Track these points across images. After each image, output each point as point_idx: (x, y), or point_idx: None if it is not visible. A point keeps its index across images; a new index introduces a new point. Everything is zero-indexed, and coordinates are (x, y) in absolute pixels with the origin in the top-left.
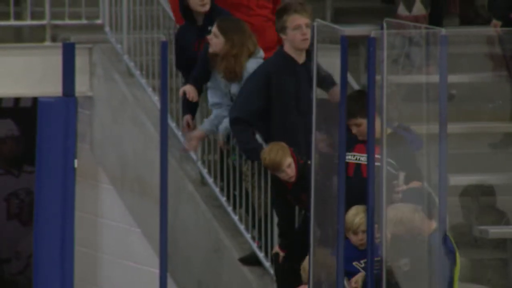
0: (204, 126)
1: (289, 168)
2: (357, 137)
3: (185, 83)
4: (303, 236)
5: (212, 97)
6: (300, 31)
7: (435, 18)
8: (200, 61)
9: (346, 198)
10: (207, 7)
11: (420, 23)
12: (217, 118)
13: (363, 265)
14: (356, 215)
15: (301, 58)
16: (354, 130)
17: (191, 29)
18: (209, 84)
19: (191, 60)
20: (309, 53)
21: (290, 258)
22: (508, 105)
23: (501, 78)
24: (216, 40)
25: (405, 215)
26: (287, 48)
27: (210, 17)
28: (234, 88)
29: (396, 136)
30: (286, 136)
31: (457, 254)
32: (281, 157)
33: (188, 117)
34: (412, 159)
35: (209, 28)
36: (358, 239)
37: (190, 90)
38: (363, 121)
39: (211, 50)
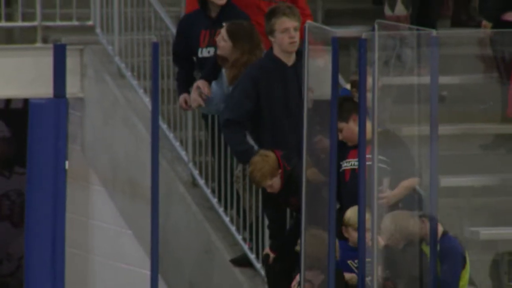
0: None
1: (270, 187)
2: (348, 144)
3: (178, 76)
4: (294, 238)
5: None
6: (288, 34)
7: (425, 19)
8: (214, 58)
9: (343, 202)
10: (224, 1)
11: (401, 22)
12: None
13: (357, 264)
14: (356, 213)
15: (290, 60)
16: (340, 136)
17: (201, 18)
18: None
19: (190, 51)
20: (300, 54)
21: (280, 260)
22: (499, 106)
23: (492, 80)
24: (224, 44)
25: (400, 223)
26: (276, 50)
27: (224, 11)
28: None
29: (388, 135)
30: (276, 138)
31: (467, 257)
32: (260, 179)
33: (185, 95)
34: (405, 156)
35: (223, 23)
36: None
37: (203, 85)
38: (343, 125)
39: (218, 52)
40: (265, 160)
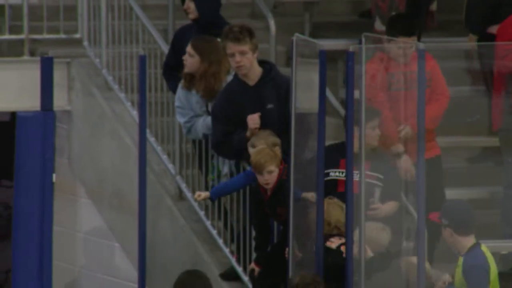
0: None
1: (269, 175)
2: (340, 153)
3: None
4: (280, 251)
5: (181, 117)
6: (233, 59)
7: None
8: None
9: None
10: (191, 16)
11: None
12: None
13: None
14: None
15: (252, 80)
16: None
17: (194, 31)
18: (178, 104)
19: (181, 63)
20: (269, 72)
21: (266, 274)
22: (486, 119)
23: (479, 92)
24: (191, 60)
25: (373, 234)
26: None
27: (215, 23)
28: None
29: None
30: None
31: (491, 271)
32: (266, 162)
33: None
34: (396, 175)
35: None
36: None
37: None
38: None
39: (186, 70)
40: (272, 150)
